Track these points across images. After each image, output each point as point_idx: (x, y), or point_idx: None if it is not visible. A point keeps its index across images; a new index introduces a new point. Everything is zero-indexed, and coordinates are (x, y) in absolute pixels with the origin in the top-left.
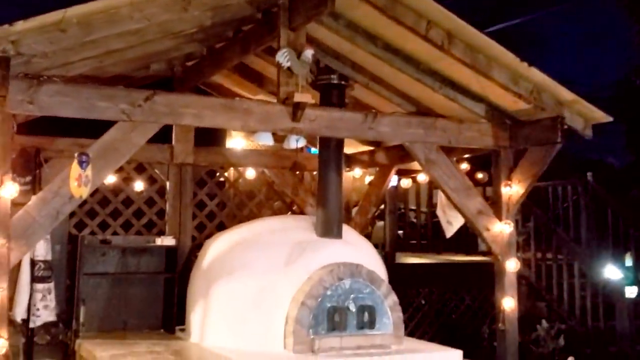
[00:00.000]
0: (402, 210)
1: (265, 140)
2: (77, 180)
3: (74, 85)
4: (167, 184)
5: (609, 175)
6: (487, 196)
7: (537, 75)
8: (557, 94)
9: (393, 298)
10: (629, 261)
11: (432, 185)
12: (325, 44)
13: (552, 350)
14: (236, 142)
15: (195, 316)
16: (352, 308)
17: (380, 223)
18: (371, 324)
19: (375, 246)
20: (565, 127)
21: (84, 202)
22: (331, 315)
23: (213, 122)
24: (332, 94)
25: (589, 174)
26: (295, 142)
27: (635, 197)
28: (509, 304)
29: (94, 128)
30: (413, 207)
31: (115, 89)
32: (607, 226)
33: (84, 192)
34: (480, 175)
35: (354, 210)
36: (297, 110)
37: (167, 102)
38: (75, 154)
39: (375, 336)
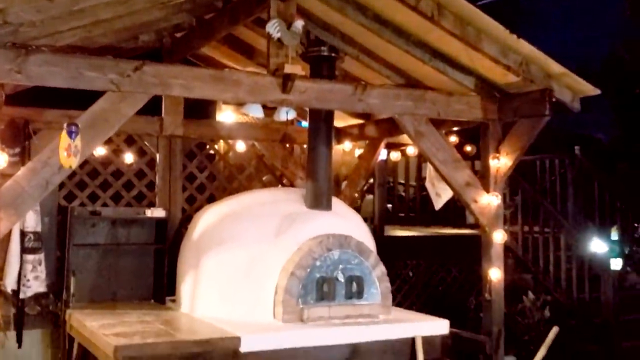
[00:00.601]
0: (391, 184)
1: (256, 112)
2: (67, 151)
3: (62, 55)
4: (157, 156)
5: (596, 149)
6: (476, 170)
7: (526, 47)
8: (546, 67)
9: (381, 269)
10: (614, 235)
11: (421, 159)
12: (315, 14)
13: (537, 321)
14: (226, 115)
15: (186, 287)
16: (341, 278)
17: (369, 197)
18: (359, 294)
19: (364, 220)
20: (554, 99)
21: (74, 173)
22: (320, 285)
23: (202, 93)
24: (322, 67)
25: (576, 147)
26: (285, 115)
27: (622, 171)
28: (495, 274)
29: (84, 100)
30: (402, 181)
31: (104, 59)
32: (593, 199)
33: (73, 162)
34: (468, 148)
35: (344, 184)
36: (287, 81)
37: (156, 73)
38: (65, 124)
39: (363, 306)
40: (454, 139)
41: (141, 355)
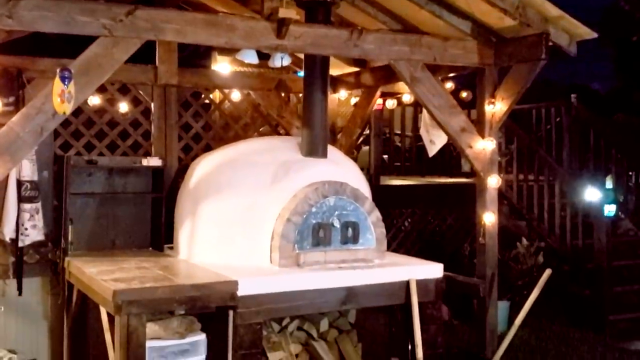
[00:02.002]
0: (387, 135)
1: (250, 58)
2: (60, 97)
3: None
4: (152, 105)
5: (594, 100)
6: (472, 119)
7: None
8: (542, 10)
9: (376, 214)
10: (609, 183)
11: (418, 110)
12: None
13: (531, 266)
14: (222, 67)
15: (183, 234)
16: (337, 224)
17: (365, 148)
18: (355, 239)
19: (360, 170)
20: (550, 43)
21: (69, 122)
22: (316, 231)
23: (195, 38)
24: (317, 12)
25: (572, 95)
26: (280, 61)
27: (618, 120)
28: (489, 218)
29: (76, 51)
30: (398, 132)
31: (96, 3)
32: (589, 148)
33: (67, 108)
34: (464, 94)
35: (340, 135)
36: (281, 26)
37: (148, 17)
38: (57, 70)
39: (358, 251)
40: (449, 85)
41: (140, 299)
